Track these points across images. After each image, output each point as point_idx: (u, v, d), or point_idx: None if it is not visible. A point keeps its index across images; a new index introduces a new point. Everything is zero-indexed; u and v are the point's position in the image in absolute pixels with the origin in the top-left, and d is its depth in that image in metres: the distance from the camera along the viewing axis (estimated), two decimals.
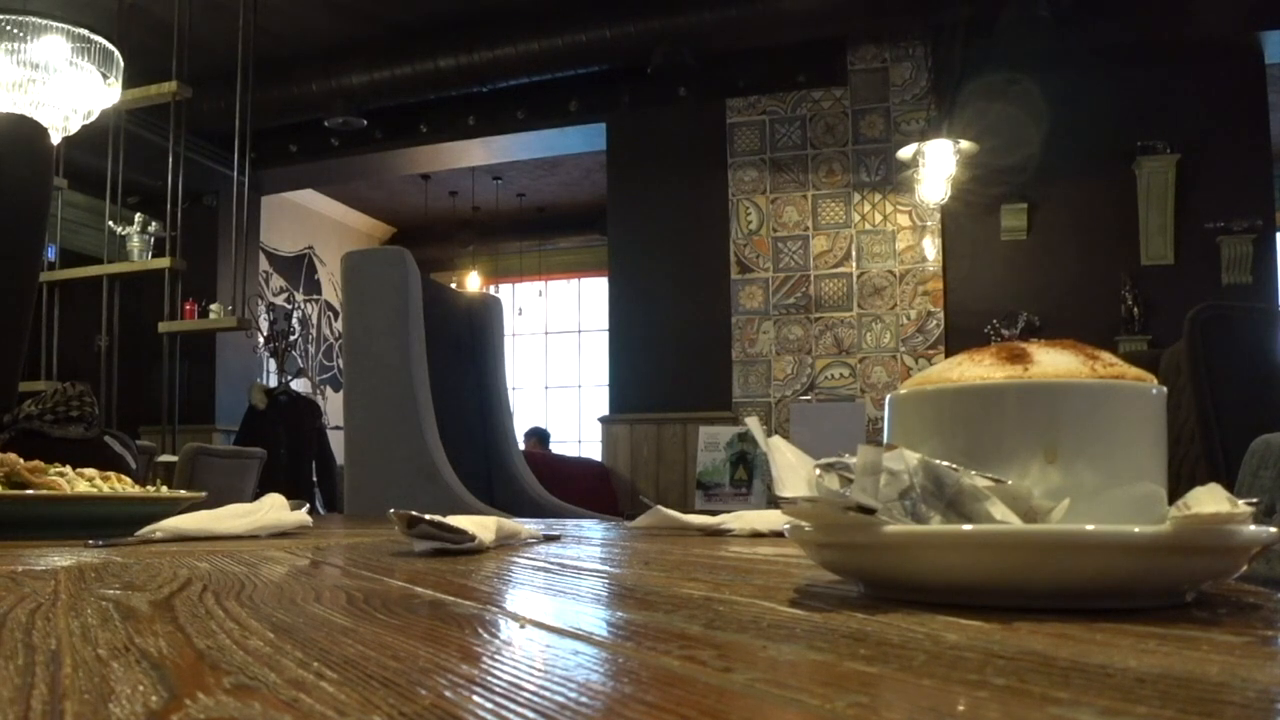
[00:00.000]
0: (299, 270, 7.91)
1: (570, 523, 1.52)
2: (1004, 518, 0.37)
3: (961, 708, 0.21)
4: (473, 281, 8.42)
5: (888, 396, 0.46)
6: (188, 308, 5.01)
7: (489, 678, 0.24)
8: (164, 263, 4.74)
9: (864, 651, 0.27)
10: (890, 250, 5.03)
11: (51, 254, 4.92)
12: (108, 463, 1.22)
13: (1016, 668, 0.25)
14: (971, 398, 0.41)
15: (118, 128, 4.61)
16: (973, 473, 0.38)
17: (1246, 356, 2.01)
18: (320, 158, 6.36)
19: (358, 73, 5.48)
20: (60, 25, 3.36)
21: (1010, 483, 0.38)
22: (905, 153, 4.74)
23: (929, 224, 4.99)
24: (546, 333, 9.55)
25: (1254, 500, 0.36)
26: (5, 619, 0.35)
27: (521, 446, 3.54)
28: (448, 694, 0.22)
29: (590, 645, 0.31)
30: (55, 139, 3.25)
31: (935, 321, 4.94)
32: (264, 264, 7.33)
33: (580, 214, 8.41)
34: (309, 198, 7.77)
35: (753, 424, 0.51)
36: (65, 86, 3.41)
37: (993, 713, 0.20)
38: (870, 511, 0.36)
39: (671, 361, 5.33)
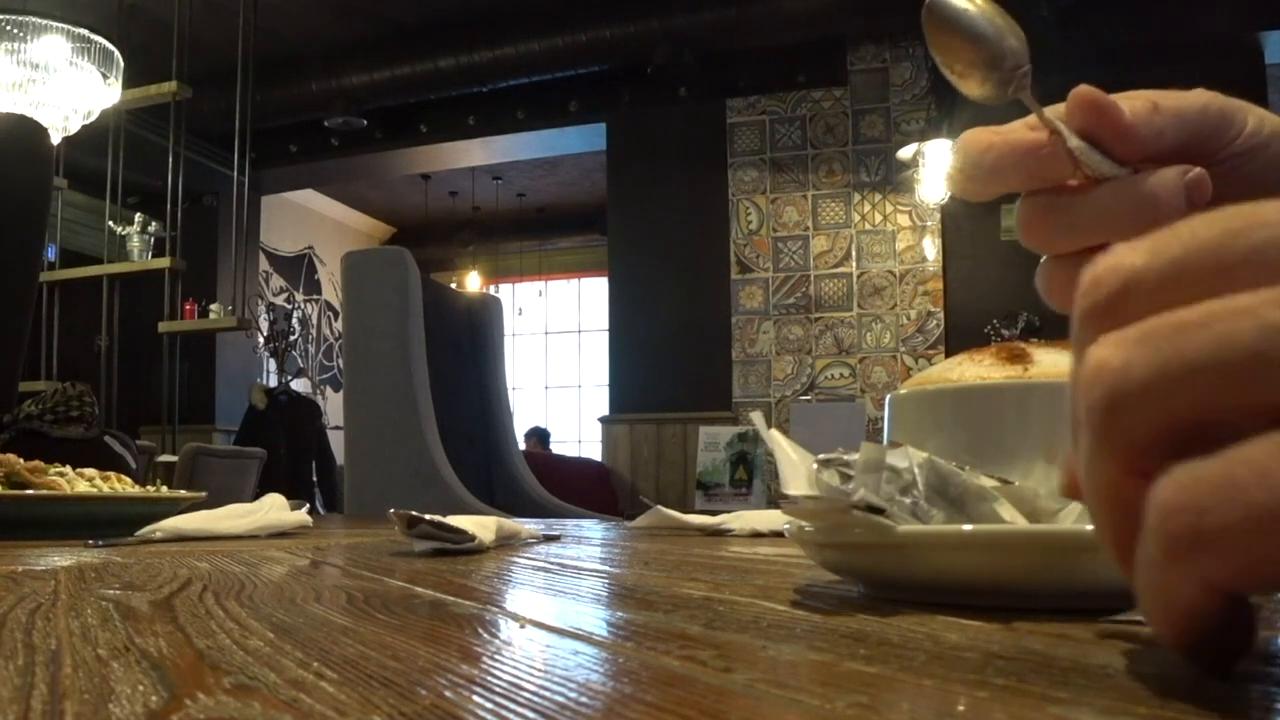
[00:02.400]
0: (299, 270, 7.92)
1: (570, 523, 1.52)
2: (1012, 518, 0.37)
3: (962, 708, 0.21)
4: (473, 281, 8.42)
5: (887, 397, 0.46)
6: (188, 308, 5.01)
7: (489, 678, 0.24)
8: (164, 263, 4.74)
9: (864, 651, 0.27)
10: (890, 250, 5.03)
11: (51, 254, 4.92)
12: (108, 463, 1.22)
13: (1017, 668, 0.25)
14: (971, 398, 0.41)
15: (118, 128, 4.61)
16: (979, 473, 0.38)
17: None
18: (320, 158, 6.36)
19: (358, 73, 5.48)
20: (60, 25, 3.36)
21: (1016, 483, 0.38)
22: (905, 153, 4.74)
23: (929, 224, 4.99)
24: (546, 333, 9.55)
25: None
26: (5, 619, 0.35)
27: (521, 446, 3.54)
28: (448, 694, 0.22)
29: (590, 645, 0.31)
30: (55, 139, 3.25)
31: (935, 321, 4.94)
32: (264, 264, 7.33)
33: (580, 214, 8.41)
34: (309, 198, 7.77)
35: (756, 418, 0.51)
36: (65, 86, 3.41)
37: (993, 713, 0.20)
38: (879, 511, 0.36)
39: (671, 361, 5.33)
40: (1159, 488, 0.19)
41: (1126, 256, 0.21)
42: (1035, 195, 0.36)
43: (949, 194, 4.71)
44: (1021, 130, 0.36)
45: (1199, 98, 0.36)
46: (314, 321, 8.08)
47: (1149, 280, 0.21)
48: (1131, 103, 0.35)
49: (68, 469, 1.05)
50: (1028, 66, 0.36)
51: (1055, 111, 0.36)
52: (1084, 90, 0.35)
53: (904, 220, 5.03)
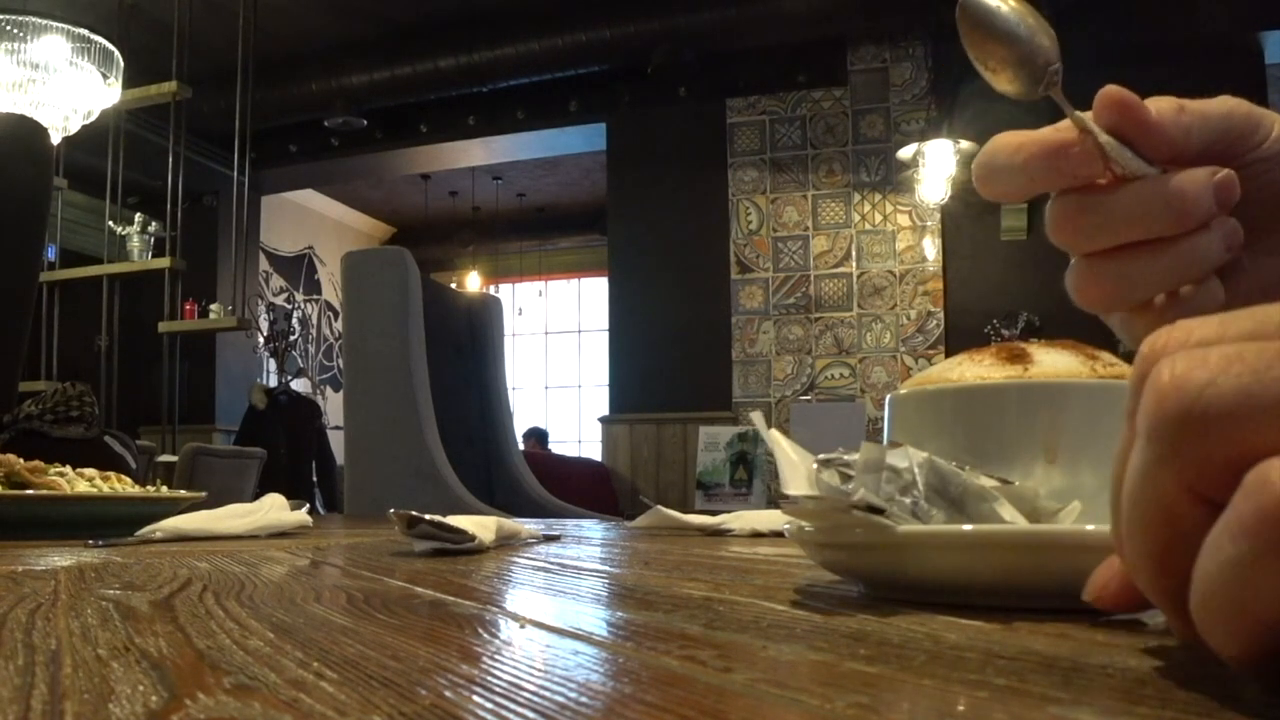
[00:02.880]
0: (299, 270, 7.91)
1: (570, 523, 1.52)
2: (1012, 518, 0.37)
3: (962, 708, 0.21)
4: (473, 281, 8.42)
5: (888, 396, 0.46)
6: (188, 308, 5.01)
7: (489, 678, 0.24)
8: (164, 263, 4.74)
9: (864, 651, 0.27)
10: (890, 250, 5.03)
11: (51, 254, 4.92)
12: (108, 463, 1.22)
13: (1017, 668, 0.25)
14: (971, 398, 0.41)
15: (118, 128, 4.61)
16: (979, 473, 0.38)
17: None
18: (320, 158, 6.36)
19: (358, 73, 5.48)
20: (60, 25, 3.36)
21: (1016, 483, 0.38)
22: (905, 153, 4.73)
23: (929, 224, 4.99)
24: (546, 333, 9.55)
25: None
26: (5, 619, 0.35)
27: (520, 448, 3.54)
28: (448, 694, 0.22)
29: (590, 645, 0.31)
30: (55, 139, 3.25)
31: (935, 321, 4.94)
32: (264, 264, 7.33)
33: (580, 214, 8.41)
34: (309, 198, 7.77)
35: (756, 418, 0.51)
36: (65, 86, 3.41)
37: (993, 713, 0.20)
38: (879, 511, 0.36)
39: (671, 361, 5.33)
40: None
41: (1196, 330, 0.20)
42: (1066, 195, 0.37)
43: (948, 195, 4.73)
44: (1051, 132, 0.37)
45: (1224, 102, 0.37)
46: (314, 321, 8.08)
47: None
48: (1158, 103, 0.35)
49: (68, 469, 1.05)
50: (1058, 64, 0.36)
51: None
52: (1111, 89, 0.35)
53: (904, 220, 5.03)
